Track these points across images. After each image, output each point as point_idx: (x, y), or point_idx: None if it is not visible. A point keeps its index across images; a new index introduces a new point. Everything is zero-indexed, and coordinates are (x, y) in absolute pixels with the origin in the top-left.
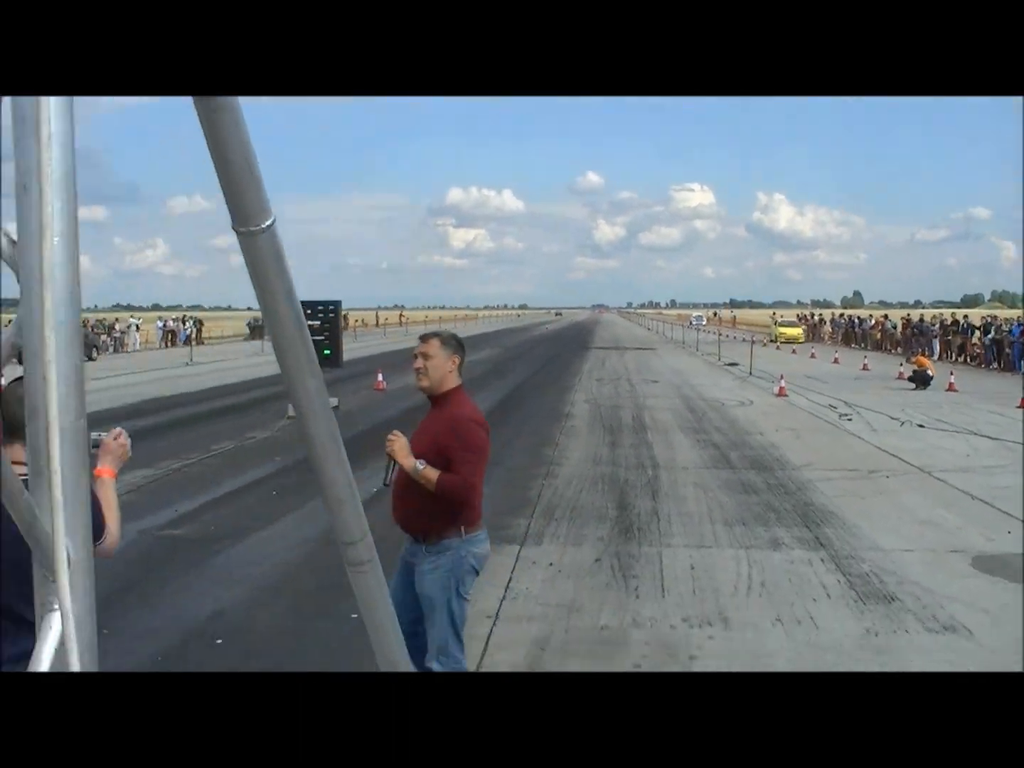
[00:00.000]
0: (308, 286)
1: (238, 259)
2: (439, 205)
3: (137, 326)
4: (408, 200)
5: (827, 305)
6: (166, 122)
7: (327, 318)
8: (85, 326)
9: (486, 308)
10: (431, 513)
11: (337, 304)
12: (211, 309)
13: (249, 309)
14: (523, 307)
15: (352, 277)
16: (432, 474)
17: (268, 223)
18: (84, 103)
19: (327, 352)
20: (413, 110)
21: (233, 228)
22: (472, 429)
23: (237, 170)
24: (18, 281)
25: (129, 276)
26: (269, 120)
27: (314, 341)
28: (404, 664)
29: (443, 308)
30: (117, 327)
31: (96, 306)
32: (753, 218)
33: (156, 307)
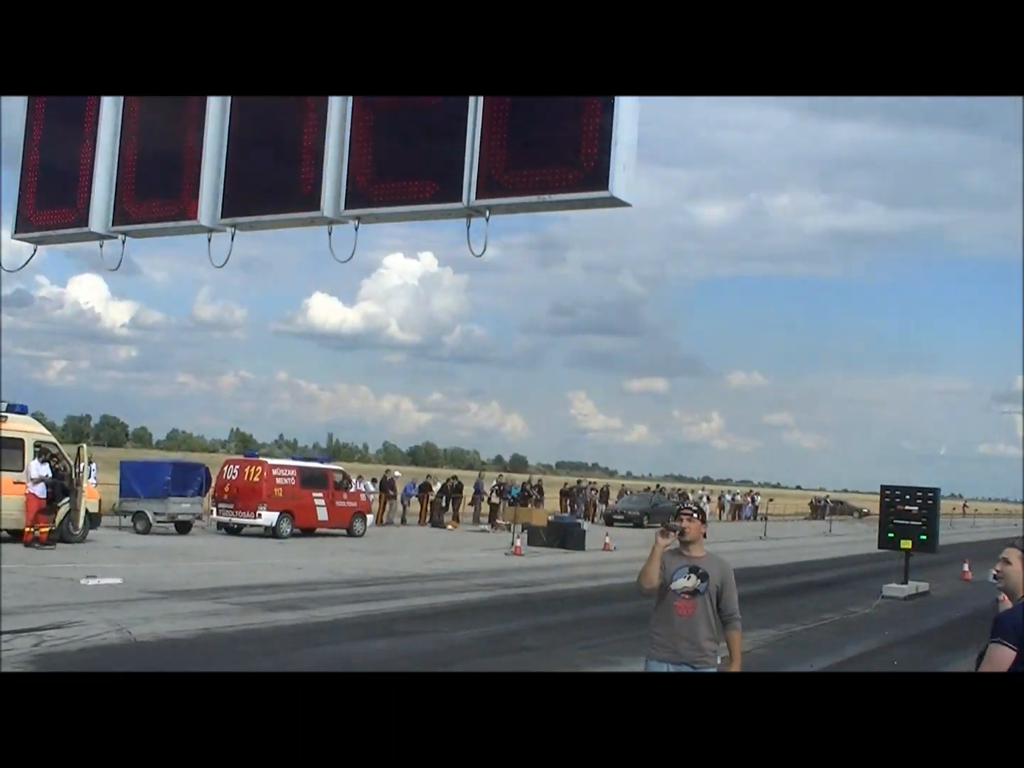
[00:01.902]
0: (862, 470)
1: (790, 436)
2: (1007, 391)
3: (707, 498)
4: (970, 385)
5: None
6: (732, 297)
7: (925, 504)
8: (659, 492)
9: None
10: None
11: (936, 491)
12: (759, 485)
13: (799, 488)
14: None
15: (907, 462)
16: None
17: None
18: None
19: (923, 537)
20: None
21: None
22: None
23: None
24: None
25: (684, 447)
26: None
27: (911, 526)
28: None
29: (1005, 501)
30: (691, 498)
31: (651, 474)
32: None
33: (707, 479)
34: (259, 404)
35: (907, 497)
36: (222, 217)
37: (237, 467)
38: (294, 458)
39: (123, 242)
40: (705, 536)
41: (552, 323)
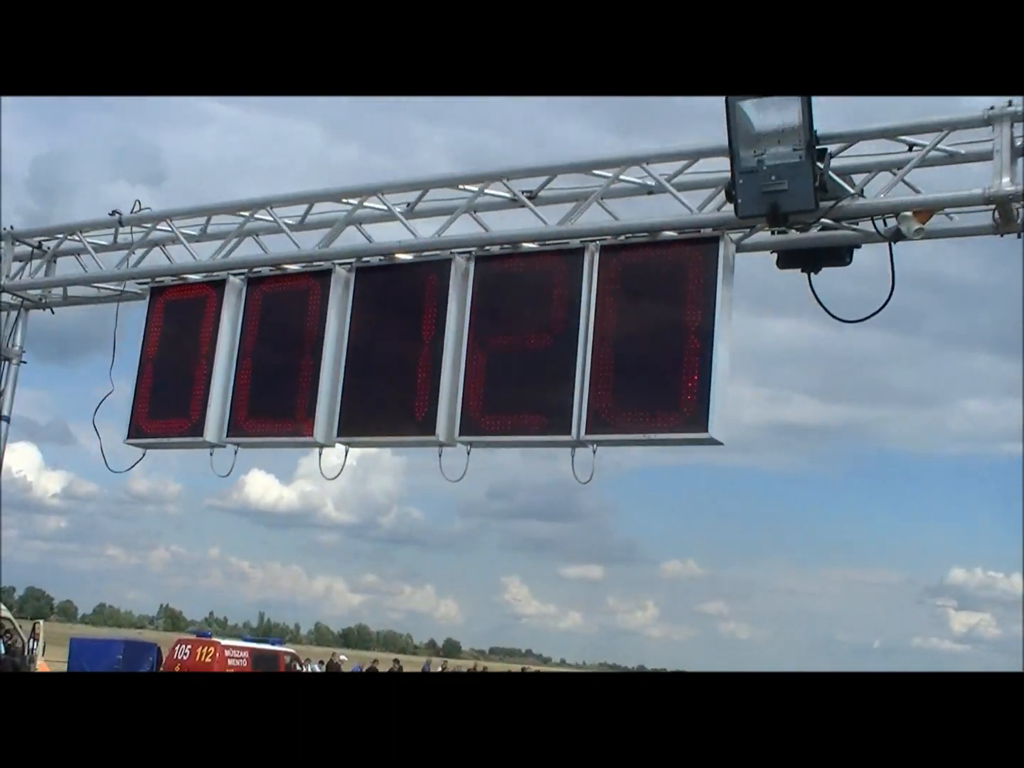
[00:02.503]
0: (797, 661)
1: (726, 626)
2: (939, 585)
3: None
4: (903, 578)
5: None
6: (670, 485)
7: None
8: None
9: None
10: None
11: None
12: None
13: None
14: None
15: (841, 654)
16: None
17: None
18: None
19: None
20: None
21: None
22: None
23: None
24: None
25: (619, 635)
26: None
27: None
28: None
29: None
30: None
31: (584, 662)
32: None
33: (641, 667)
34: (190, 580)
35: None
36: (338, 436)
37: (189, 647)
38: (244, 639)
39: (235, 453)
40: None
41: (489, 507)
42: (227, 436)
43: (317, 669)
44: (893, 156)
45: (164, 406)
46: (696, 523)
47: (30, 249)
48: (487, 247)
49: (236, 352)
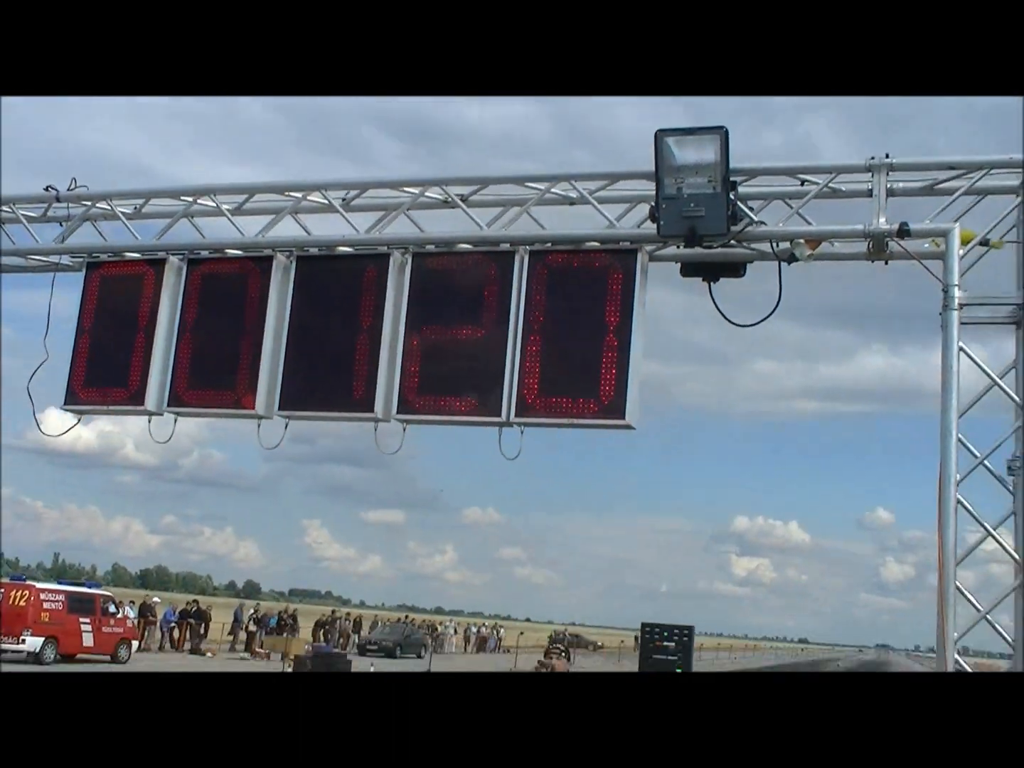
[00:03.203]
0: (588, 604)
1: (522, 571)
2: (723, 532)
3: (455, 630)
4: (692, 525)
5: None
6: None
7: (681, 640)
8: (409, 623)
9: (764, 639)
10: None
11: (691, 629)
12: (489, 617)
13: (528, 620)
14: (803, 641)
15: (631, 597)
16: None
17: None
18: None
19: (679, 671)
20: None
21: None
22: None
23: None
24: None
25: (418, 579)
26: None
27: (668, 660)
28: None
29: (721, 635)
30: (439, 629)
31: (384, 604)
32: None
33: (439, 610)
34: None
35: (665, 634)
36: (279, 410)
37: (2, 590)
38: (60, 582)
39: (175, 421)
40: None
41: (293, 451)
42: (167, 406)
43: (131, 612)
44: (787, 188)
45: (101, 375)
46: (497, 473)
47: None
48: (424, 246)
49: (176, 327)
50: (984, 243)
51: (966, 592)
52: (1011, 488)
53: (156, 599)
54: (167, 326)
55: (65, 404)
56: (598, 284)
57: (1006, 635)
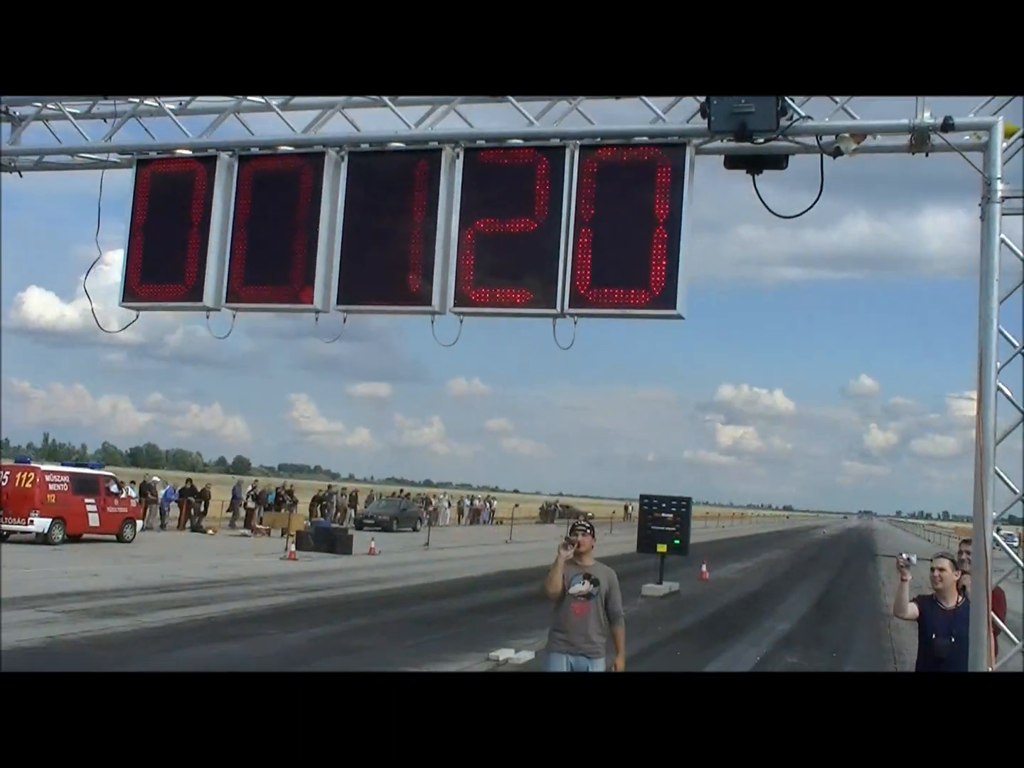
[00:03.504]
0: (576, 475)
1: (509, 442)
2: (710, 401)
3: (449, 503)
4: (678, 395)
5: None
6: None
7: (679, 512)
8: (404, 497)
9: (749, 507)
10: None
11: (688, 500)
12: (478, 488)
13: (516, 492)
14: (788, 508)
15: (618, 468)
16: None
17: None
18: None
19: (676, 542)
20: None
21: None
22: None
23: None
24: None
25: (406, 451)
26: None
27: (666, 532)
28: None
29: (707, 504)
30: (433, 503)
31: (373, 477)
32: None
33: (428, 483)
34: None
35: (663, 506)
36: (337, 304)
37: (7, 473)
38: (64, 464)
39: (233, 316)
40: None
41: (277, 326)
42: (225, 302)
43: (132, 492)
44: None
45: (157, 272)
46: (482, 346)
47: None
48: (475, 141)
49: (231, 224)
50: None
51: (1002, 475)
52: None
53: (156, 478)
54: (220, 223)
55: (123, 301)
56: (647, 177)
57: None
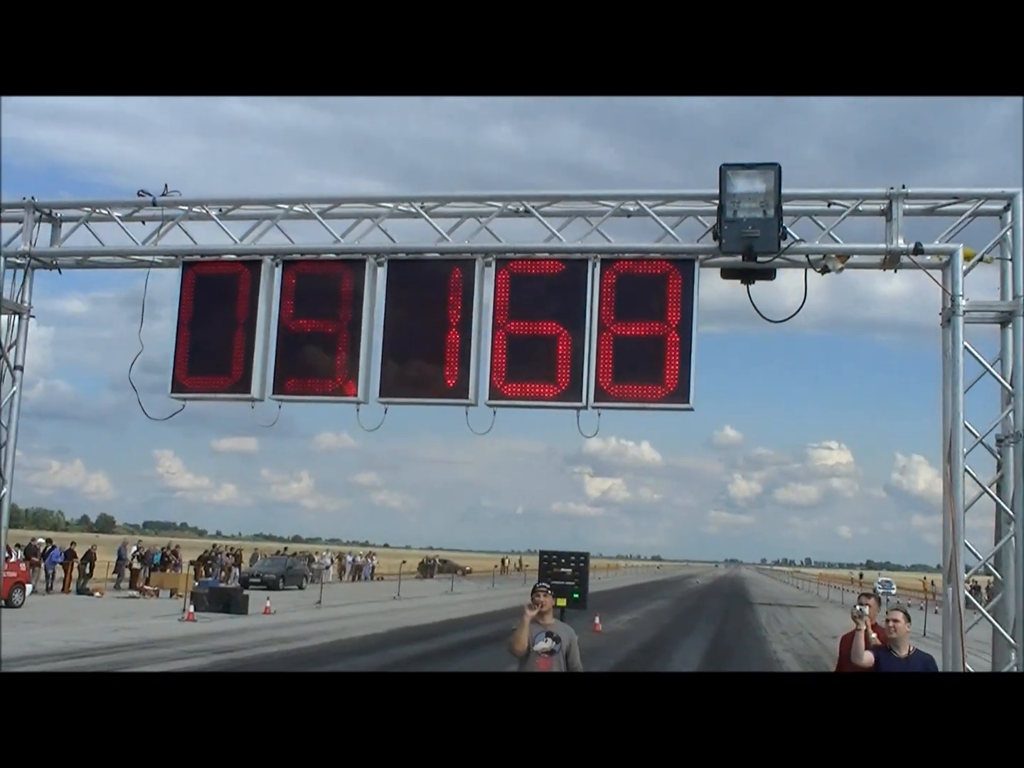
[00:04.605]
0: (445, 528)
1: (378, 496)
2: (577, 454)
3: (332, 560)
4: (546, 447)
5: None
6: None
7: (578, 566)
8: (289, 555)
9: (619, 557)
10: None
11: (586, 555)
12: (347, 544)
13: (386, 547)
14: (656, 558)
15: (486, 520)
16: None
17: None
18: None
19: (575, 596)
20: None
21: None
22: None
23: None
24: None
25: (274, 506)
26: None
27: (566, 586)
28: None
29: None
30: (316, 560)
31: (241, 533)
32: (892, 479)
33: (297, 538)
34: None
35: (562, 560)
36: (380, 396)
37: None
38: None
39: (279, 407)
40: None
41: (142, 380)
42: (272, 394)
43: (18, 554)
44: (812, 207)
45: (204, 365)
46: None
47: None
48: (505, 253)
49: (276, 322)
50: (980, 259)
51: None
52: (999, 456)
53: (40, 540)
54: (265, 320)
55: (172, 392)
56: (661, 288)
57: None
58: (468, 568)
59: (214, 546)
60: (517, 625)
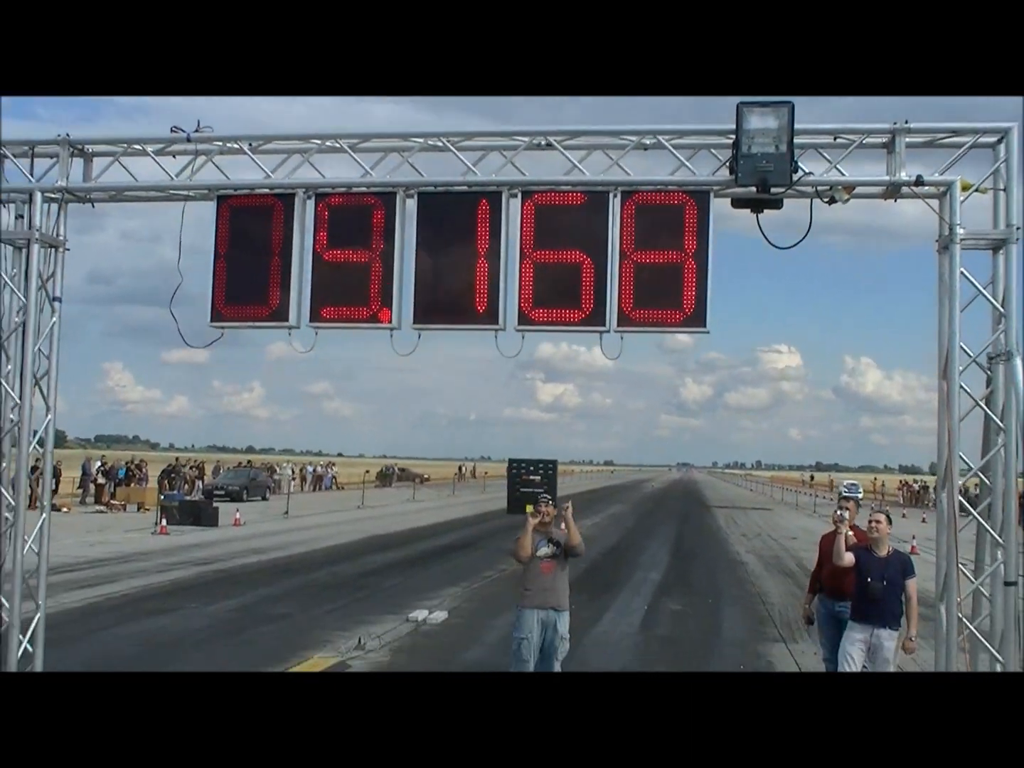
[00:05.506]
0: (402, 435)
1: (331, 405)
2: (529, 359)
3: (292, 471)
4: (496, 353)
5: (914, 471)
6: None
7: (546, 474)
8: (252, 467)
9: (572, 462)
10: None
11: (554, 463)
12: (301, 453)
13: (340, 455)
14: (609, 463)
15: (439, 428)
16: None
17: None
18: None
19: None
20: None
21: None
22: None
23: None
24: None
25: (226, 417)
26: None
27: (535, 493)
28: None
29: None
30: (278, 471)
31: (194, 445)
32: (840, 381)
33: (250, 448)
34: None
35: (531, 468)
36: (413, 323)
37: None
38: None
39: (315, 334)
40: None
41: (89, 292)
42: (308, 322)
43: None
44: (819, 140)
45: (241, 294)
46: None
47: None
48: (532, 186)
49: (310, 253)
50: (977, 190)
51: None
52: (990, 373)
53: None
54: (299, 251)
55: (212, 321)
56: (678, 218)
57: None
58: (426, 476)
59: (177, 459)
60: (521, 533)
